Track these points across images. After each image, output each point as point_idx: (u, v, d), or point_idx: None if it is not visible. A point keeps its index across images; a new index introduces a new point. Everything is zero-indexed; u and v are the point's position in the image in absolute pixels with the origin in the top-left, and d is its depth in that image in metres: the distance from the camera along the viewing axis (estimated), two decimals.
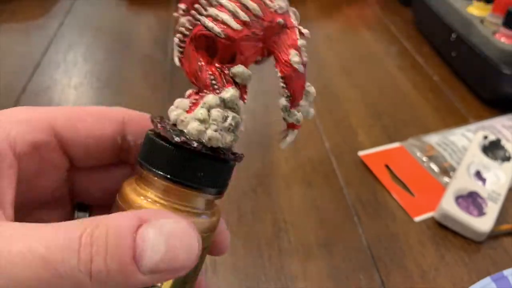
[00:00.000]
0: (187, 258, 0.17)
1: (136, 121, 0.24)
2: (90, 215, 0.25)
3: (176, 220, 0.18)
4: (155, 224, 0.17)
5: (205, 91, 0.20)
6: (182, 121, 0.19)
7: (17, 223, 0.17)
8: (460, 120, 0.57)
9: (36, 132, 0.21)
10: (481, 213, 0.42)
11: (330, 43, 0.74)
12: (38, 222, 0.18)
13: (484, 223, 0.41)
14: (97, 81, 0.59)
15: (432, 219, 0.43)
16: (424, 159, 0.50)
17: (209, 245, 0.21)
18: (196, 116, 0.19)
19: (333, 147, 0.51)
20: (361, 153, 0.50)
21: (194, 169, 0.19)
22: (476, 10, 0.67)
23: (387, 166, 0.49)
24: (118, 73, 0.61)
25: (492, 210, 0.43)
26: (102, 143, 0.23)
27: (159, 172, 0.19)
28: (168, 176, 0.19)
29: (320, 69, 0.67)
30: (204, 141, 0.19)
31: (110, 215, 0.17)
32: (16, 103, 0.53)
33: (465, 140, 0.52)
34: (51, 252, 0.16)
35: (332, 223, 0.42)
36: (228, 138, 0.20)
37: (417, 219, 0.43)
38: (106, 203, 0.24)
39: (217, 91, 0.20)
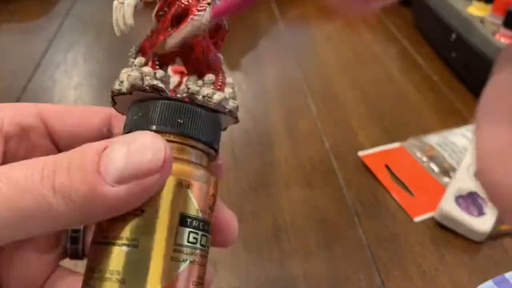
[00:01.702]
0: (153, 158, 0.17)
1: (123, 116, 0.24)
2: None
3: (140, 132, 0.17)
4: (119, 140, 0.17)
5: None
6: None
7: None
8: (460, 120, 0.57)
9: (24, 115, 0.21)
10: (481, 213, 0.42)
11: (330, 43, 0.74)
12: None
13: (484, 223, 0.41)
14: (97, 81, 0.59)
15: (432, 219, 0.43)
16: (424, 159, 0.50)
17: (213, 204, 0.20)
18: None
19: (333, 147, 0.51)
20: (361, 153, 0.50)
21: (181, 116, 0.19)
22: (476, 10, 0.67)
23: (387, 166, 0.49)
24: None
25: (492, 211, 0.43)
26: (89, 133, 0.23)
27: (149, 126, 0.19)
28: (155, 127, 0.19)
29: (320, 69, 0.67)
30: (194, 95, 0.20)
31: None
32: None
33: (465, 141, 0.52)
34: (14, 171, 0.16)
35: (332, 223, 0.42)
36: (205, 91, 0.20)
37: (417, 219, 0.43)
38: None
39: None
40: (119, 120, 0.24)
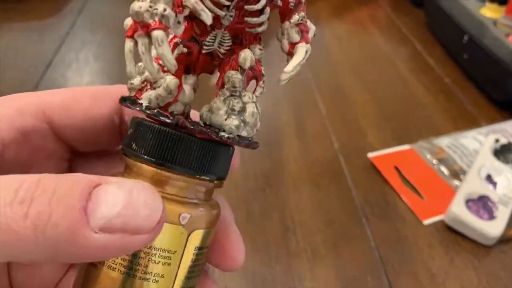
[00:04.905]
0: (148, 218, 0.15)
1: None
2: None
3: (137, 180, 0.16)
4: (114, 181, 0.15)
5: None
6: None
7: None
8: (471, 123, 0.57)
9: (25, 117, 0.19)
10: (491, 217, 0.42)
11: (340, 43, 0.74)
12: None
13: (494, 227, 0.41)
14: (108, 80, 0.60)
15: (442, 222, 0.43)
16: (434, 161, 0.49)
17: (209, 245, 0.19)
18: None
19: (342, 147, 0.51)
20: (370, 154, 0.50)
21: (182, 151, 0.17)
22: (489, 12, 0.66)
23: (396, 168, 0.48)
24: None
25: (503, 214, 0.42)
26: (99, 125, 0.21)
27: (144, 156, 0.17)
28: (153, 160, 0.17)
29: (330, 69, 0.67)
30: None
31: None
32: None
33: (476, 143, 0.51)
34: None
35: (340, 224, 0.42)
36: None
37: (427, 222, 0.43)
38: None
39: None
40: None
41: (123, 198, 0.14)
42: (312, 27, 0.20)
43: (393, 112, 0.58)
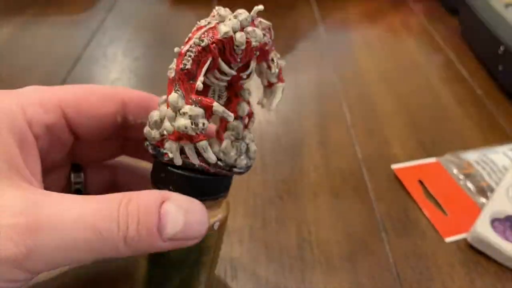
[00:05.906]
0: (199, 230, 0.22)
1: (136, 101, 0.27)
2: (84, 175, 0.30)
3: (191, 199, 0.22)
4: (175, 200, 0.22)
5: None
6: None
7: (62, 194, 0.21)
8: (502, 137, 0.55)
9: (48, 114, 0.24)
10: None
11: (370, 49, 0.73)
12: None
13: None
14: (135, 77, 0.60)
15: (465, 241, 0.41)
16: (461, 176, 0.48)
17: (223, 231, 0.28)
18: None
19: (366, 158, 0.50)
20: (394, 166, 0.49)
21: (208, 187, 0.25)
22: None
23: (420, 182, 0.47)
24: (155, 70, 0.62)
25: None
26: (104, 121, 0.26)
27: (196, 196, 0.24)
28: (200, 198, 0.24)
29: (358, 76, 0.65)
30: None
31: (138, 192, 0.22)
32: None
33: (507, 160, 0.49)
34: (99, 221, 0.20)
35: (358, 237, 0.41)
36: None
37: (449, 239, 0.41)
38: (99, 164, 0.30)
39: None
40: (133, 108, 0.27)
41: (182, 219, 0.21)
42: (282, 63, 0.25)
43: (421, 123, 0.57)
